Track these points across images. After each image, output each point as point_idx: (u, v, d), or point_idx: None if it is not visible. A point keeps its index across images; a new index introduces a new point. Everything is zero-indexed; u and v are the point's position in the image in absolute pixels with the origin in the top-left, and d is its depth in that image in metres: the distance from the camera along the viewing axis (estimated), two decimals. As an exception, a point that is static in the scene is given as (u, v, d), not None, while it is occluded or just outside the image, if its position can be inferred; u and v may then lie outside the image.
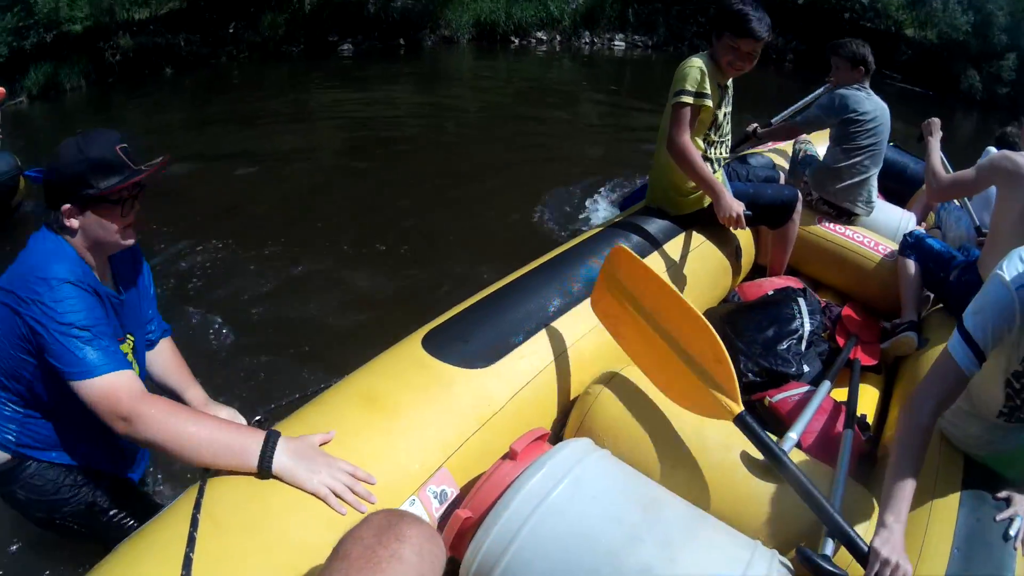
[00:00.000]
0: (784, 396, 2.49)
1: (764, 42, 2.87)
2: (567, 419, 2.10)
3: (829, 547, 1.64)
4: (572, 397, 2.16)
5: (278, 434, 1.57)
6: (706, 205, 3.11)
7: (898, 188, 5.14)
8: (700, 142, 3.02)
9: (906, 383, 2.92)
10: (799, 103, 4.81)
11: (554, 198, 6.31)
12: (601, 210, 6.15)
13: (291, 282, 4.64)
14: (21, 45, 10.86)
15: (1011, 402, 1.87)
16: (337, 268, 4.86)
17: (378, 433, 1.68)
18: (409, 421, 1.74)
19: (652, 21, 17.28)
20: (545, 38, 15.84)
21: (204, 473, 1.51)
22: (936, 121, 3.48)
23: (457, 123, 9.27)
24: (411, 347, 2.01)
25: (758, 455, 1.86)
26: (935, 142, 3.35)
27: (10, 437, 1.75)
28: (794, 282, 3.28)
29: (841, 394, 2.61)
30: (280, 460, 1.52)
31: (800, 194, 3.47)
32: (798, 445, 2.02)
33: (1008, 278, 1.69)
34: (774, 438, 1.90)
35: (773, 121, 4.63)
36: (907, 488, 1.66)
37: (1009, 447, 1.94)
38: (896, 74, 16.36)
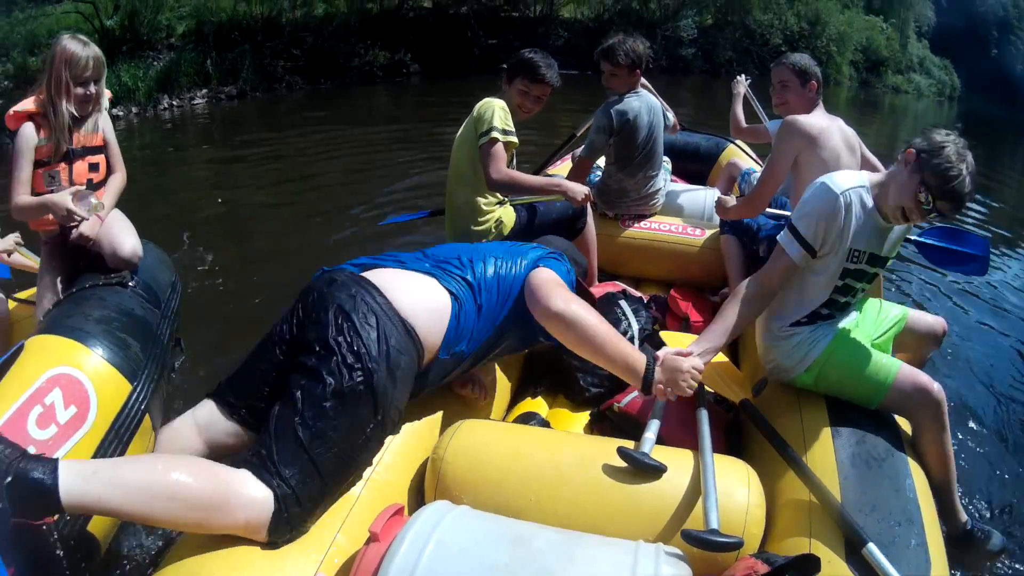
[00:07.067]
0: (631, 398, 2.59)
1: (552, 88, 3.27)
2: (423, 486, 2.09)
3: (714, 520, 1.73)
4: (423, 462, 2.15)
5: (653, 358, 2.12)
6: (507, 233, 3.30)
7: (696, 168, 5.56)
8: None
9: (746, 347, 3.13)
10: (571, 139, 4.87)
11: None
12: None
13: None
14: None
15: (831, 303, 2.37)
16: None
17: (249, 561, 1.62)
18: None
19: (235, 68, 16.32)
20: (121, 113, 14.16)
21: None
22: (736, 80, 4.63)
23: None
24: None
25: (618, 463, 1.93)
26: (736, 99, 4.49)
27: None
28: (612, 286, 3.42)
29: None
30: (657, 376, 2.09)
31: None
32: (660, 440, 2.10)
33: (835, 187, 2.25)
34: (630, 444, 2.00)
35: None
36: (719, 337, 2.28)
37: (819, 349, 2.35)
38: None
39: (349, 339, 1.85)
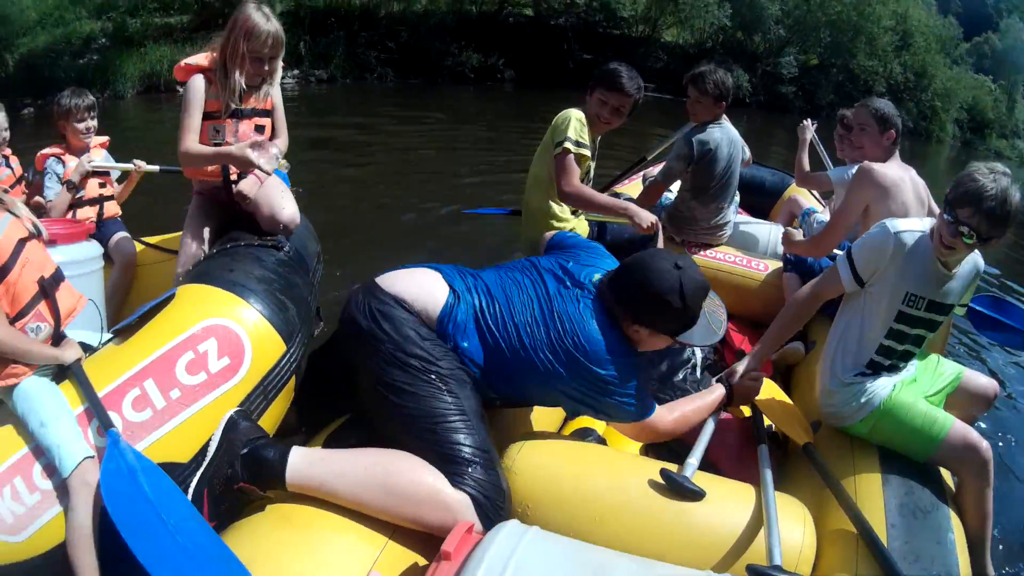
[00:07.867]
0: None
1: (633, 99, 3.26)
2: None
3: (777, 556, 1.82)
4: None
5: (728, 384, 2.49)
6: None
7: (760, 202, 5.62)
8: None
9: (802, 389, 3.17)
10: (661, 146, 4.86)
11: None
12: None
13: None
14: None
15: (888, 351, 2.45)
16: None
17: (300, 552, 1.70)
18: (328, 532, 1.78)
19: (328, 53, 16.60)
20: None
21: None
22: (802, 126, 4.55)
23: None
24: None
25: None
26: (802, 144, 4.42)
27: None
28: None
29: (746, 409, 2.80)
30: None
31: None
32: (716, 470, 2.21)
33: (892, 227, 2.38)
34: (673, 467, 2.10)
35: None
36: (772, 342, 2.62)
37: (877, 401, 2.41)
38: (649, 83, 16.78)
39: (368, 343, 2.03)
